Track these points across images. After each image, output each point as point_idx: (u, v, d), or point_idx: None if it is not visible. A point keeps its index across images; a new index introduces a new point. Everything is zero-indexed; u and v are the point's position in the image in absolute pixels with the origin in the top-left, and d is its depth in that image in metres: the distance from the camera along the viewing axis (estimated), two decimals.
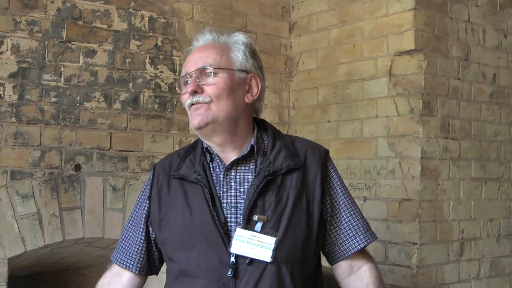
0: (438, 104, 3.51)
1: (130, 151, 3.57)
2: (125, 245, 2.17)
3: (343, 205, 2.07)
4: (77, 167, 3.38)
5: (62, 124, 3.35)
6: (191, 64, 2.01)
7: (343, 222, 2.06)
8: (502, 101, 3.86)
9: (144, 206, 2.13)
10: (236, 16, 4.04)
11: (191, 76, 1.98)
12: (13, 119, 3.21)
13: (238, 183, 1.97)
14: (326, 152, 2.10)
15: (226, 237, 1.88)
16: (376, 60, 3.67)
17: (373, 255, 3.50)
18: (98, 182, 3.44)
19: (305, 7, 4.21)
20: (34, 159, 3.25)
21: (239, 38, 2.07)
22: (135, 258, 2.14)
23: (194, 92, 1.96)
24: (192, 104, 1.97)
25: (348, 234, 2.06)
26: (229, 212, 1.93)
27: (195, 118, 1.96)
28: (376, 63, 3.67)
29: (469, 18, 3.73)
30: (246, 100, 2.03)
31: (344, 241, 2.06)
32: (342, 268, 2.10)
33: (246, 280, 1.86)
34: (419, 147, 3.41)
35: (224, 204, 1.94)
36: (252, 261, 1.87)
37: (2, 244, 3.11)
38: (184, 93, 2.01)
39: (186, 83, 2.01)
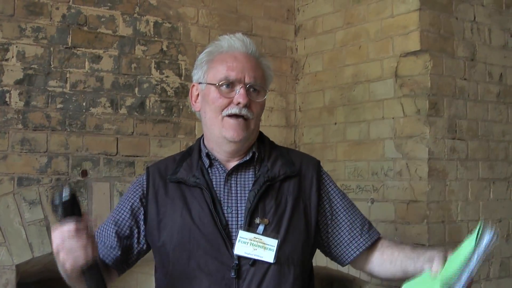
0: (444, 104, 3.49)
1: (137, 156, 3.57)
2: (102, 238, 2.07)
3: (342, 209, 2.13)
4: (84, 173, 3.38)
5: (69, 130, 3.35)
6: (242, 72, 2.00)
7: (347, 222, 2.12)
8: (509, 101, 3.84)
9: (137, 206, 2.06)
10: (241, 19, 4.03)
11: (240, 83, 1.99)
12: (20, 126, 3.21)
13: (238, 188, 2.02)
14: (319, 162, 2.19)
15: (228, 239, 1.93)
16: (382, 61, 3.66)
17: None
18: (105, 187, 3.44)
19: (310, 10, 4.20)
20: (41, 165, 3.25)
21: (269, 63, 2.14)
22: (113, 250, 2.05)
23: (245, 105, 1.98)
24: (234, 115, 1.99)
25: (353, 233, 2.11)
26: (229, 215, 1.98)
27: (234, 131, 1.98)
28: (382, 64, 3.66)
29: (475, 17, 3.71)
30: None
31: (351, 239, 2.11)
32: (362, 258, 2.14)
33: (249, 281, 1.91)
34: (426, 148, 3.39)
35: (225, 207, 1.99)
36: (255, 262, 1.92)
37: (10, 251, 3.12)
38: (227, 98, 2.00)
39: (227, 86, 2.00)
